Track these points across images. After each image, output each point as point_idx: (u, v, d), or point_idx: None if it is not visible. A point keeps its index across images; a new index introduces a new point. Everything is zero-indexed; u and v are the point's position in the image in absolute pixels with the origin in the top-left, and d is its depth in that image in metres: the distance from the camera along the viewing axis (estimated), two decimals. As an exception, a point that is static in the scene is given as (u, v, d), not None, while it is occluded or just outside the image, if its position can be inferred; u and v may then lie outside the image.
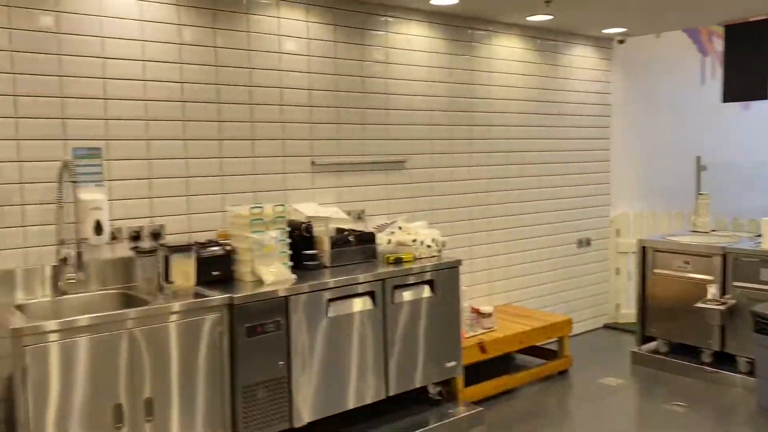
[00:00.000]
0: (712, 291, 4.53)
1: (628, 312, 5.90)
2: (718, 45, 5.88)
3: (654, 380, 4.80)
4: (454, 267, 3.95)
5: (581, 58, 5.72)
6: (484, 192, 5.09)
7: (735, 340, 4.49)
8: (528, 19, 4.94)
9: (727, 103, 5.71)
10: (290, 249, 3.48)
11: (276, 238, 3.38)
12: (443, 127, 4.79)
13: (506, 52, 5.15)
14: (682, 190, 5.86)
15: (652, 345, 5.10)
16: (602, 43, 5.84)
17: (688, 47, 6.73)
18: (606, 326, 6.05)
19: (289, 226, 3.54)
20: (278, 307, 3.19)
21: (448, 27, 4.76)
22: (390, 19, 4.45)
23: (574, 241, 5.78)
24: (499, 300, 5.23)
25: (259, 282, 3.29)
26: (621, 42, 5.79)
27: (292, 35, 4.00)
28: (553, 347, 4.91)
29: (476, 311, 4.57)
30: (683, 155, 5.89)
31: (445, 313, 3.89)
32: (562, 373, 4.86)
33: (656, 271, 4.98)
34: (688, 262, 4.79)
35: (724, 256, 4.57)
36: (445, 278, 3.88)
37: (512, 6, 4.59)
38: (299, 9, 4.02)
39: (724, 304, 4.45)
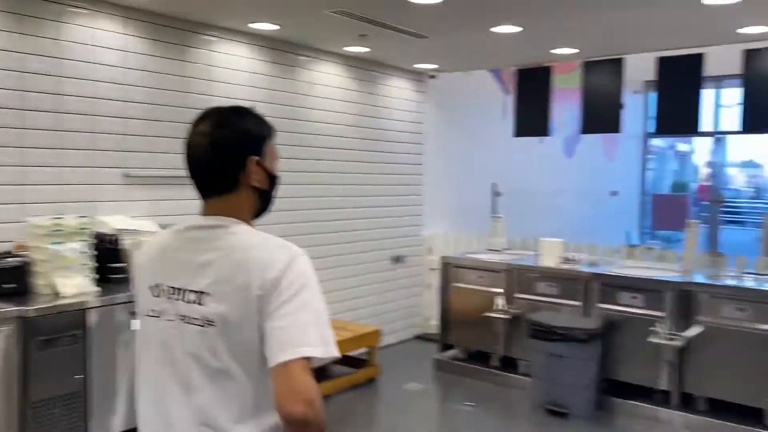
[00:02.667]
0: (500, 302, 5.12)
1: (437, 323, 6.42)
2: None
3: (452, 384, 5.30)
4: (266, 280, 4.11)
5: (398, 89, 6.20)
6: (304, 210, 5.33)
7: (517, 345, 5.11)
8: (345, 49, 5.30)
9: (524, 137, 6.47)
10: (96, 261, 3.45)
11: (77, 249, 3.34)
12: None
13: (328, 79, 5.46)
14: (485, 213, 6.53)
15: (452, 352, 5.62)
16: (417, 77, 6.38)
17: (492, 85, 7.54)
18: (417, 337, 6.52)
19: (95, 238, 3.51)
20: (75, 320, 3.16)
21: (270, 50, 4.97)
22: (212, 38, 4.56)
23: (389, 258, 6.20)
24: (316, 313, 5.46)
25: (56, 295, 3.23)
26: (432, 77, 6.36)
27: (108, 47, 3.98)
28: (364, 357, 5.24)
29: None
30: (485, 181, 6.57)
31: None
32: (371, 381, 5.20)
33: (456, 284, 5.51)
34: (482, 277, 5.36)
35: (510, 271, 5.20)
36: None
37: (330, 36, 4.92)
38: (116, 21, 4.01)
39: (508, 313, 5.05)
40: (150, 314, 1.55)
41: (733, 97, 9.31)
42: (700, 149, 20.09)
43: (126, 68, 4.08)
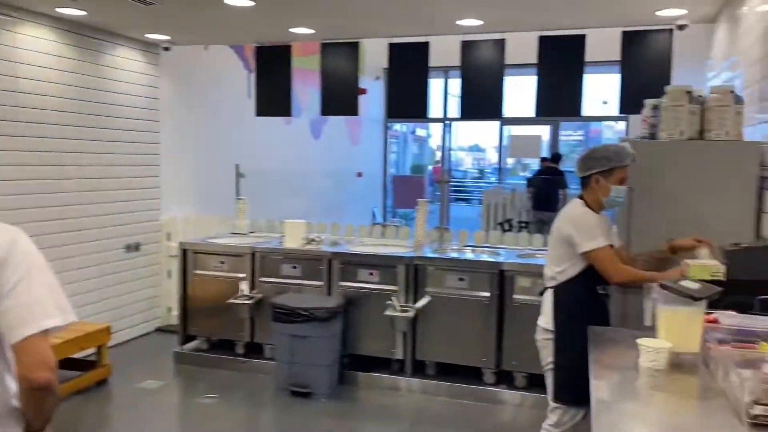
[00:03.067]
0: (243, 287, 4.97)
1: (175, 314, 6.04)
2: (258, 64, 6.50)
3: (193, 377, 5.02)
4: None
5: (127, 61, 5.63)
6: (14, 195, 4.57)
7: (262, 330, 5.01)
8: (58, 11, 4.63)
9: (272, 117, 6.34)
10: None
11: None
12: (-49, 118, 4.14)
13: (37, 44, 4.73)
14: (230, 195, 6.29)
15: (194, 343, 5.33)
16: (149, 48, 5.86)
17: (235, 62, 7.29)
18: (158, 329, 6.08)
19: None
20: None
21: (-45, 4, 4.13)
22: None
23: (122, 247, 5.66)
24: (31, 313, 4.76)
25: None
26: (166, 49, 5.90)
27: None
28: (92, 357, 4.71)
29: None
30: (229, 163, 6.32)
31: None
32: (101, 383, 4.69)
33: (196, 272, 5.22)
34: (223, 262, 5.15)
35: (253, 255, 5.07)
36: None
37: (36, -7, 4.24)
38: None
39: (252, 298, 4.92)
40: None
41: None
42: (435, 134, 22.03)
43: None
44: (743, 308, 2.41)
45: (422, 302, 4.57)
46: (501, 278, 4.47)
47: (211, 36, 5.74)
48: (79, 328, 4.60)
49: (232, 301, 4.90)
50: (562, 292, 2.94)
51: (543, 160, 9.87)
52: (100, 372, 4.69)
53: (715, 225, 3.08)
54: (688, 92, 3.22)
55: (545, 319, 3.03)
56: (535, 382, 4.43)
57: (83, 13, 4.66)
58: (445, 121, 11.07)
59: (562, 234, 2.93)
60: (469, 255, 4.89)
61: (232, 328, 5.10)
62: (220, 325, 5.16)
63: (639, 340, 2.11)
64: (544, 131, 11.38)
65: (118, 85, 5.54)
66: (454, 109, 10.39)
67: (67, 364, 4.56)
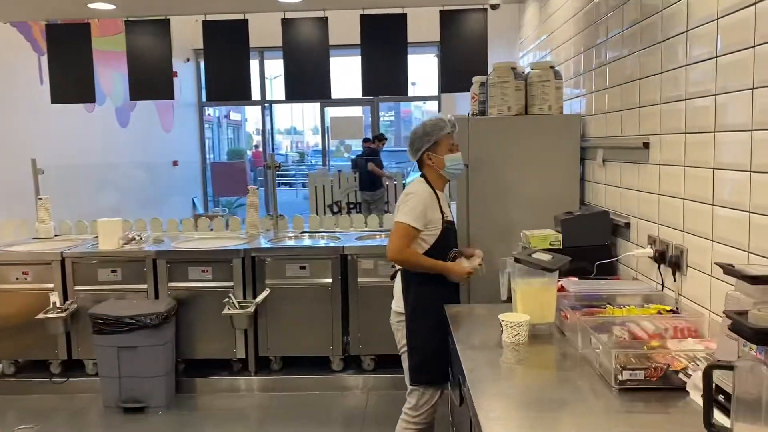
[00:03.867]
0: (54, 299, 4.36)
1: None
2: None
3: (1, 407, 4.33)
4: None
5: None
6: None
7: (81, 345, 4.45)
8: None
9: (71, 105, 5.61)
10: None
11: None
12: None
13: None
14: (25, 195, 5.50)
15: (-3, 369, 4.61)
16: None
17: (21, 43, 6.36)
18: (-53, 358, 5.16)
19: None
20: None
21: None
22: None
23: None
24: None
25: None
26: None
27: None
28: None
29: None
30: (22, 158, 5.51)
31: None
32: None
33: (-5, 287, 4.49)
34: (27, 273, 4.48)
35: (63, 261, 4.46)
36: None
37: None
38: None
39: (65, 310, 4.34)
40: None
41: (278, 68, 10.04)
42: (251, 118, 21.45)
43: None
44: (584, 274, 2.54)
45: (262, 296, 4.34)
46: (343, 263, 4.39)
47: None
48: None
49: (41, 316, 4.28)
50: (410, 272, 2.91)
51: (365, 141, 9.97)
52: None
53: (546, 195, 3.25)
54: (513, 68, 3.34)
55: (397, 303, 3.01)
56: (384, 364, 4.44)
57: None
58: (264, 103, 10.74)
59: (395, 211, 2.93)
60: (307, 242, 4.75)
61: (44, 347, 4.46)
62: (28, 345, 4.49)
63: (501, 316, 2.12)
64: (359, 112, 11.52)
65: None
66: (274, 91, 10.11)
67: None
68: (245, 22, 4.96)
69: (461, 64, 4.87)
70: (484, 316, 2.44)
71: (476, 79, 3.50)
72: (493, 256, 3.04)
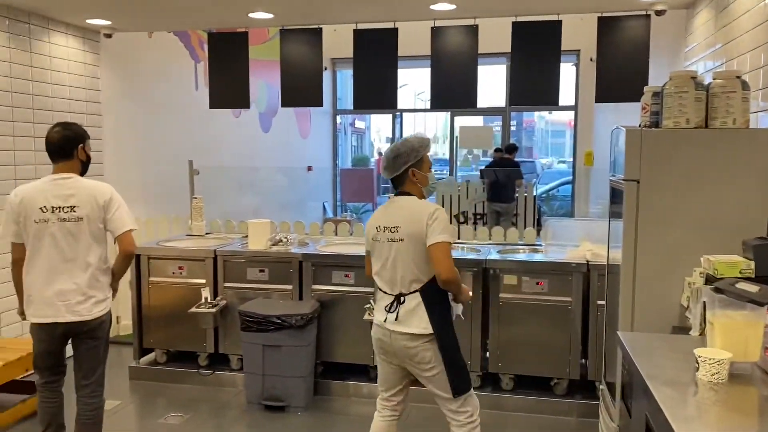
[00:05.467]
0: (205, 294, 4.57)
1: (129, 324, 5.56)
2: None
3: (153, 394, 4.60)
4: None
5: (64, 48, 5.10)
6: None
7: (227, 339, 4.64)
8: (-15, -10, 4.10)
9: (220, 110, 5.91)
10: None
11: None
12: None
13: (-40, 28, 4.18)
14: (181, 194, 5.84)
15: (151, 356, 4.90)
16: (88, 35, 5.34)
17: (181, 51, 6.79)
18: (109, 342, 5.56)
19: None
20: None
21: None
22: None
23: (64, 253, 5.12)
24: (-37, 333, 4.23)
25: None
26: (108, 36, 5.39)
27: None
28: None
29: None
30: (179, 159, 5.87)
31: None
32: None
33: (152, 279, 4.78)
34: (183, 268, 4.73)
35: (215, 259, 4.68)
36: None
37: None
38: None
39: (216, 306, 4.53)
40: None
41: (405, 77, 10.06)
42: (374, 126, 21.80)
43: None
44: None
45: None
46: (485, 276, 4.26)
47: (157, 21, 5.28)
48: (22, 347, 4.11)
49: (194, 310, 4.50)
50: (429, 291, 2.91)
51: (497, 150, 9.77)
52: (47, 396, 4.20)
53: (726, 218, 2.95)
54: (693, 77, 3.07)
55: (417, 325, 2.89)
56: (524, 384, 4.27)
57: (15, -7, 4.15)
58: (395, 111, 10.83)
59: (420, 232, 2.87)
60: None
61: (193, 339, 4.70)
62: (180, 336, 4.75)
63: (698, 351, 1.92)
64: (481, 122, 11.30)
65: (55, 75, 5.01)
66: (406, 100, 10.17)
67: (11, 387, 4.06)
68: (395, 30, 4.98)
69: (619, 73, 4.61)
70: (663, 348, 2.23)
71: (648, 89, 3.26)
72: (665, 282, 2.80)
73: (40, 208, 3.05)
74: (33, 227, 3.06)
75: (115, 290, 3.31)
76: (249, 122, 8.21)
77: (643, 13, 4.55)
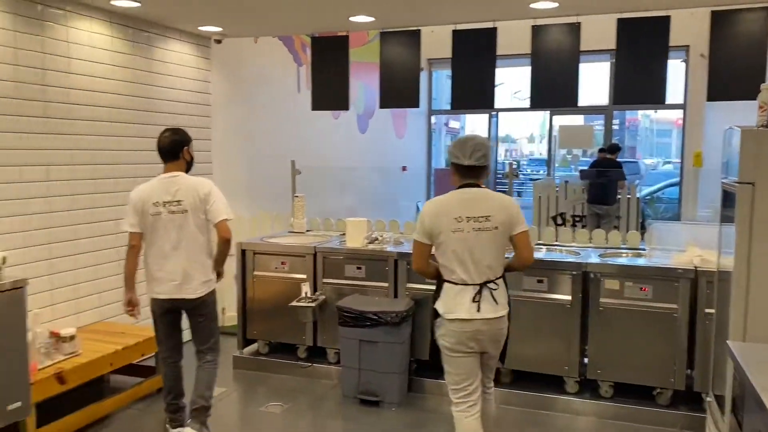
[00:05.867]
0: (305, 289, 4.74)
1: (234, 315, 5.85)
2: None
3: (255, 383, 4.82)
4: (17, 288, 3.26)
5: (179, 54, 5.44)
6: (66, 196, 4.42)
7: (325, 334, 4.79)
8: (113, 3, 4.44)
9: (320, 111, 6.10)
10: None
11: None
12: (7, 117, 3.97)
13: (89, 38, 4.54)
14: (283, 192, 6.08)
15: (254, 347, 5.14)
16: (200, 41, 5.66)
17: (285, 55, 7.06)
18: (212, 332, 5.88)
19: None
20: None
21: (12, 0, 3.96)
22: None
23: (176, 247, 5.46)
24: (88, 318, 4.62)
25: None
26: (218, 42, 5.69)
27: None
28: (152, 363, 4.54)
29: (55, 335, 3.92)
30: (282, 159, 6.11)
31: (6, 346, 3.18)
32: (161, 391, 4.51)
33: (256, 273, 5.01)
34: (284, 263, 4.93)
35: (315, 255, 4.84)
36: (4, 303, 3.17)
37: (91, -15, 4.05)
38: None
39: (315, 300, 4.69)
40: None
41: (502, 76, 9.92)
42: (469, 126, 21.62)
43: None
44: None
45: (498, 305, 4.28)
46: (584, 280, 4.17)
47: (264, 27, 5.52)
48: (139, 333, 4.43)
49: (294, 304, 4.68)
50: (504, 274, 3.17)
51: (600, 151, 9.47)
52: (160, 379, 4.50)
53: None
54: (818, 75, 2.88)
55: (505, 305, 3.13)
56: (623, 392, 4.15)
57: (137, 4, 4.46)
58: (492, 111, 10.73)
59: (510, 221, 3.07)
60: (543, 254, 4.59)
61: (293, 332, 4.88)
62: (281, 328, 4.95)
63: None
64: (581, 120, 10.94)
65: (170, 79, 5.35)
66: (502, 99, 10.06)
67: (127, 370, 4.39)
68: (494, 30, 4.95)
69: (733, 70, 4.37)
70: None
71: (765, 86, 3.08)
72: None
73: (154, 203, 3.53)
74: (149, 219, 3.53)
75: (219, 274, 3.74)
76: (347, 123, 8.40)
77: (761, 5, 4.28)
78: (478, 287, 3.01)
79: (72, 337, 3.95)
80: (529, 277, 4.26)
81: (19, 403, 3.25)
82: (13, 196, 4.02)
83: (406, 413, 4.26)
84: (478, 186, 3.09)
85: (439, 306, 3.10)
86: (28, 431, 3.41)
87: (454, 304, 3.03)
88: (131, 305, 3.67)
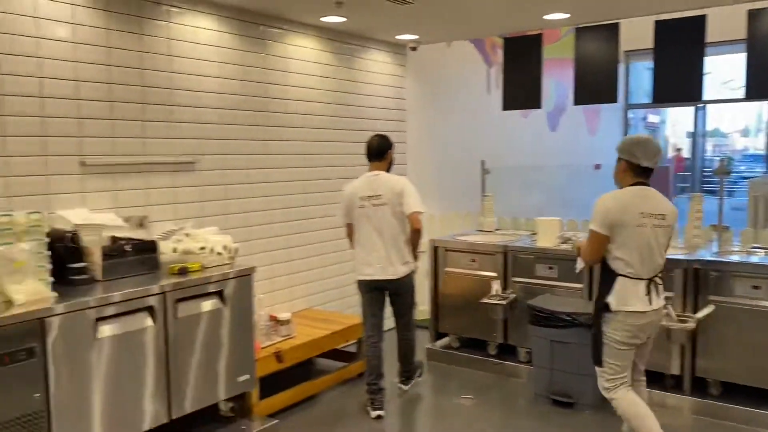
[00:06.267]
0: (496, 287, 4.82)
1: (425, 309, 6.10)
2: (501, 56, 6.31)
3: (446, 375, 5.00)
4: (246, 275, 3.74)
5: (377, 63, 5.80)
6: (282, 195, 4.94)
7: (516, 332, 4.82)
8: (322, 20, 4.88)
9: (509, 111, 6.13)
10: (51, 262, 3.02)
11: (29, 250, 2.92)
12: (237, 126, 4.56)
13: (302, 53, 5.04)
14: (472, 192, 6.21)
15: (445, 340, 5.32)
16: (397, 49, 5.98)
17: (475, 57, 7.18)
18: (405, 324, 6.18)
19: (49, 236, 3.08)
20: (32, 331, 2.75)
21: (238, 22, 4.53)
22: (172, 8, 4.11)
23: (374, 243, 5.83)
24: (300, 305, 5.12)
25: (8, 303, 2.81)
26: (413, 49, 5.97)
27: (53, 19, 3.51)
28: (353, 349, 4.91)
29: (274, 319, 4.41)
30: (472, 159, 6.23)
31: (238, 325, 3.67)
32: (362, 375, 4.86)
33: (447, 269, 5.19)
34: (475, 260, 5.05)
35: (505, 254, 4.89)
36: (236, 287, 3.66)
37: (303, 5, 4.49)
38: (63, -10, 3.54)
39: (505, 298, 4.75)
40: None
41: (713, 64, 9.11)
42: (671, 120, 20.05)
43: (76, 43, 3.61)
44: None
45: (704, 312, 4.02)
46: (810, 287, 3.76)
47: (458, 31, 5.67)
48: (343, 321, 4.82)
49: (485, 300, 4.78)
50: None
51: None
52: (361, 365, 4.86)
53: None
54: None
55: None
56: None
57: (343, 19, 4.85)
58: (698, 103, 9.92)
59: (674, 224, 3.27)
60: (758, 258, 4.21)
61: (484, 328, 4.98)
62: (471, 324, 5.08)
63: None
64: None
65: (369, 87, 5.73)
66: (711, 90, 9.25)
67: (331, 355, 4.80)
68: (702, 18, 4.63)
69: None
70: None
71: None
72: None
73: (360, 197, 4.15)
74: (357, 212, 4.16)
75: (415, 258, 4.27)
76: (536, 121, 8.30)
77: None
78: (647, 281, 3.17)
79: (288, 321, 4.42)
80: (741, 282, 3.94)
81: (247, 376, 3.73)
82: (240, 196, 4.60)
83: (601, 417, 4.15)
84: (648, 185, 3.24)
85: (613, 300, 3.19)
86: (253, 401, 3.90)
87: (631, 298, 3.16)
88: None
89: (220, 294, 3.57)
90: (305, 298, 5.19)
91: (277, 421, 3.90)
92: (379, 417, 4.16)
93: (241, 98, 4.57)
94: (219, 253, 3.76)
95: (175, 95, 4.13)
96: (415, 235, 4.15)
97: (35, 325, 2.77)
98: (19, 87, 3.37)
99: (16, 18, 3.35)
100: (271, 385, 4.13)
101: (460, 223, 6.24)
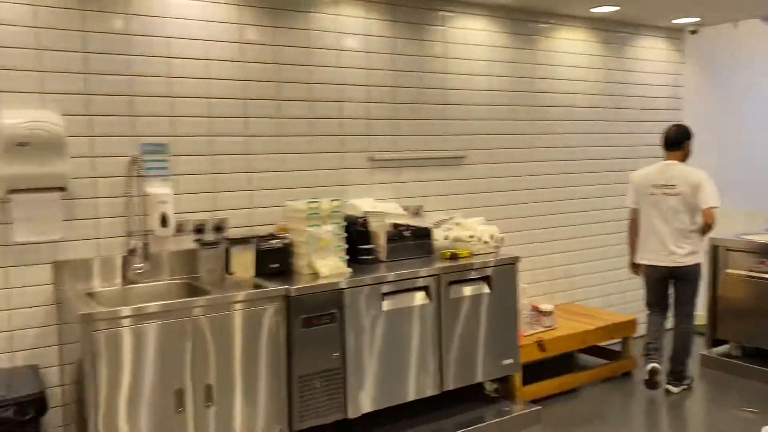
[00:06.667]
0: (789, 293, 4.30)
1: (701, 314, 5.64)
2: (801, 33, 5.53)
3: (724, 385, 4.60)
4: (511, 264, 3.91)
5: (650, 50, 5.52)
6: (546, 188, 5.00)
7: (814, 345, 4.25)
8: (592, 11, 4.81)
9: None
10: (346, 243, 3.53)
11: (332, 232, 3.44)
12: (504, 122, 4.74)
13: (570, 46, 5.03)
14: (760, 187, 5.56)
15: (724, 348, 4.88)
16: (673, 34, 5.62)
17: (765, 35, 6.37)
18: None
19: (345, 220, 3.59)
20: (333, 299, 3.25)
21: (508, 20, 4.70)
22: (448, 13, 4.43)
23: (641, 240, 5.58)
24: (561, 299, 5.13)
25: (315, 275, 3.36)
26: (693, 32, 5.54)
27: (351, 32, 4.04)
28: (617, 348, 4.78)
29: (536, 309, 4.50)
30: (759, 150, 5.57)
31: (503, 310, 3.85)
32: (626, 375, 4.72)
33: (728, 271, 4.76)
34: (763, 262, 4.55)
35: (802, 257, 4.33)
36: (502, 275, 3.84)
37: (575, -3, 4.49)
38: (359, 7, 4.06)
39: (801, 306, 4.21)
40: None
41: None
42: None
43: (368, 52, 4.12)
44: None
45: None
46: None
47: (747, 8, 5.13)
48: (607, 318, 4.72)
49: (774, 307, 4.29)
50: None
51: None
52: (625, 364, 4.72)
53: None
54: None
55: None
56: None
57: (616, 8, 4.73)
58: None
59: None
60: None
61: (770, 338, 4.48)
62: (754, 332, 4.60)
63: None
64: None
65: (639, 75, 5.48)
66: None
67: (594, 351, 4.74)
68: None
69: None
70: None
71: None
72: None
73: (652, 185, 4.31)
74: (646, 198, 4.33)
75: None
76: None
77: None
78: None
79: (550, 313, 4.48)
80: None
81: (511, 360, 3.89)
82: (505, 189, 4.77)
83: None
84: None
85: None
86: (516, 386, 4.05)
87: None
88: (634, 268, 4.51)
89: (487, 279, 3.79)
90: (567, 293, 5.18)
91: (539, 407, 4.00)
92: (654, 370, 4.24)
93: (508, 94, 4.73)
94: (486, 242, 3.98)
95: (448, 95, 4.46)
96: (705, 229, 4.20)
97: (336, 295, 3.26)
98: (323, 93, 3.95)
99: (321, 33, 3.93)
100: (532, 372, 4.23)
101: (743, 221, 5.62)
